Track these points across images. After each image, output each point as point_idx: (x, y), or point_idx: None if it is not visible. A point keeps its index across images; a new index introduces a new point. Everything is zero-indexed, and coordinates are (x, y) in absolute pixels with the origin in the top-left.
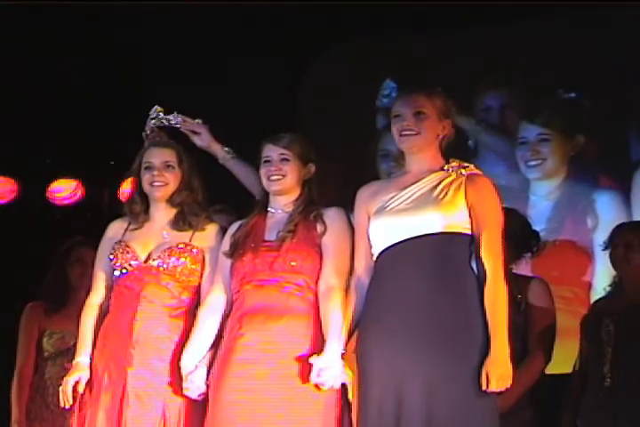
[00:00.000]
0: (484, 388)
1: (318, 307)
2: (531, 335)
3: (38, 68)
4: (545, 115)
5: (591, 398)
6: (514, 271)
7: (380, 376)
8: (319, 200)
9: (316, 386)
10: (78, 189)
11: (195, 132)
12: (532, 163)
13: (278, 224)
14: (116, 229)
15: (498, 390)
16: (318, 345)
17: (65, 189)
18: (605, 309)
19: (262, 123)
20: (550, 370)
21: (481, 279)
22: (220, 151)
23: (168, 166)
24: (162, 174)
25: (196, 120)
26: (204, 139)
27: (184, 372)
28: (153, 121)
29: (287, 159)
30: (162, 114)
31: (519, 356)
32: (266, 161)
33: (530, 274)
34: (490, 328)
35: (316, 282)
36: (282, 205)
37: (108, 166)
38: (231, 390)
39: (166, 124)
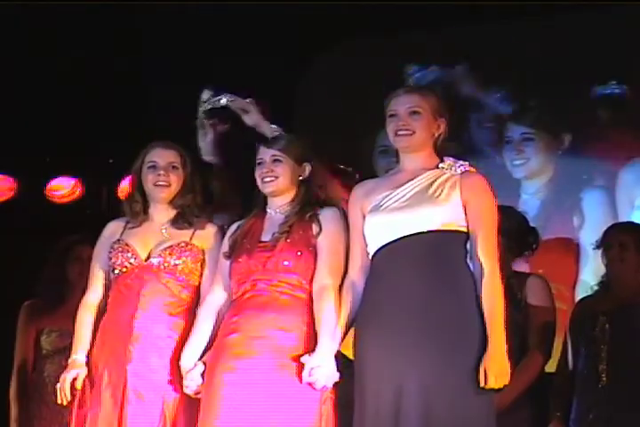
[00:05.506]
0: (482, 385)
1: (310, 306)
2: (530, 333)
3: (37, 66)
4: (530, 114)
5: (586, 397)
6: (513, 269)
7: (378, 375)
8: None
9: (310, 384)
10: (77, 187)
11: (244, 111)
12: (517, 162)
13: (275, 225)
14: (113, 228)
15: (496, 387)
16: (310, 344)
17: (64, 187)
18: (598, 307)
19: None
20: (549, 368)
21: (477, 277)
22: (269, 130)
23: (173, 167)
24: (167, 175)
25: (246, 99)
26: (252, 117)
27: (184, 370)
28: (206, 104)
29: (279, 160)
30: (212, 97)
31: (518, 354)
32: (259, 163)
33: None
34: (487, 325)
35: (310, 281)
36: (278, 206)
37: (107, 164)
38: (222, 384)
39: (217, 105)
